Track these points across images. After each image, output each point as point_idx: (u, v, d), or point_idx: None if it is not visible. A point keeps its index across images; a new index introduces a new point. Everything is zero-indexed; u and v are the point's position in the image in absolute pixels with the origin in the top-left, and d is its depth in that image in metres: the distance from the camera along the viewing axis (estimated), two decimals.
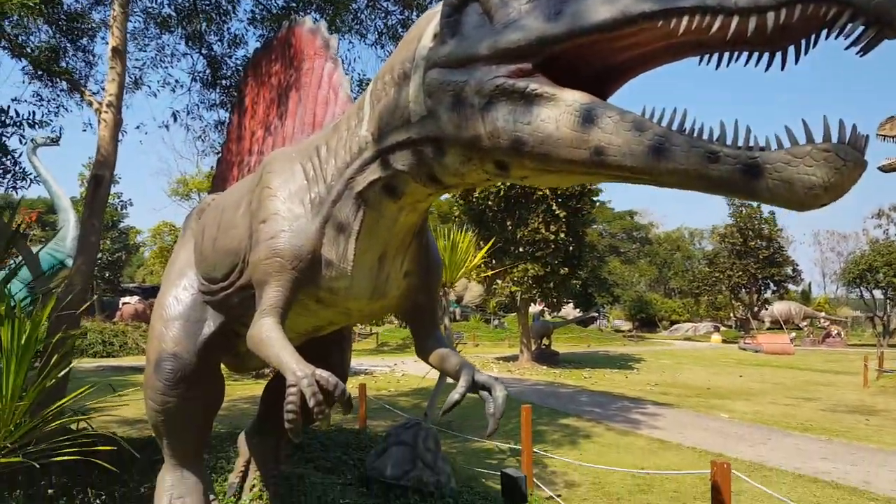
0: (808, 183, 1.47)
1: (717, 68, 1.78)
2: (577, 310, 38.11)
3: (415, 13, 7.88)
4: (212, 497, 4.02)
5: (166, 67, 8.52)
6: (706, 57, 1.78)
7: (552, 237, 18.83)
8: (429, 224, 3.37)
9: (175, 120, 8.78)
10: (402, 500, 4.92)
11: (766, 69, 1.67)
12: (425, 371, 16.55)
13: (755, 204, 41.65)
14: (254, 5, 7.90)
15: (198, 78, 8.48)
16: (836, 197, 1.52)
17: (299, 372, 2.45)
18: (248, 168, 4.57)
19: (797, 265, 42.27)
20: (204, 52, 8.16)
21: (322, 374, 2.46)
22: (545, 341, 22.45)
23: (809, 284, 54.81)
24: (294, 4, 7.62)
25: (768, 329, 40.72)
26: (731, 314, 45.22)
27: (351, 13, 7.35)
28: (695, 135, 1.65)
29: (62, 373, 4.41)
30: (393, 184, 2.68)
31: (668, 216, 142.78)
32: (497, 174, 2.28)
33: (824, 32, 1.50)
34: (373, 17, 7.72)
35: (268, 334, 2.74)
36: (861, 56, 1.51)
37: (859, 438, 9.83)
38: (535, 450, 8.43)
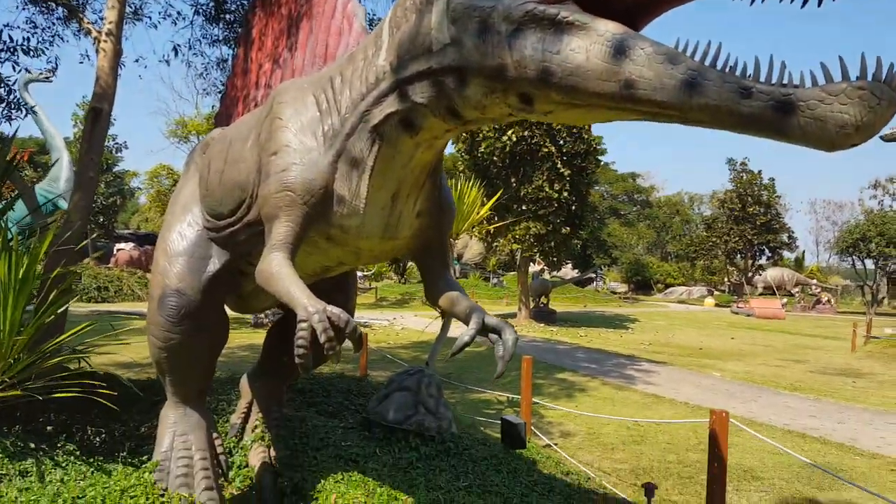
0: (841, 121, 1.43)
1: (751, 4, 1.70)
2: (576, 270, 38.29)
3: None
4: (215, 435, 4.05)
5: None
6: None
7: (556, 196, 18.74)
8: (443, 164, 3.31)
9: (176, 54, 8.48)
10: (404, 444, 4.99)
11: (802, 6, 1.60)
12: (424, 325, 16.78)
13: (756, 170, 41.58)
14: None
15: (200, 11, 8.18)
16: (868, 137, 1.49)
17: (310, 307, 2.43)
18: (255, 102, 4.45)
19: (793, 232, 42.40)
20: None
21: (333, 310, 2.44)
22: (543, 300, 22.60)
23: (803, 252, 55.01)
24: None
25: (761, 294, 41.04)
26: (726, 279, 45.54)
27: None
28: (728, 70, 1.60)
29: (61, 309, 4.39)
30: (411, 118, 2.59)
31: (669, 180, 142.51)
32: (520, 108, 2.21)
33: None
34: None
35: (278, 269, 2.70)
36: None
37: (846, 399, 10.04)
38: (533, 400, 8.60)
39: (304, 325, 2.38)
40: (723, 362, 14.08)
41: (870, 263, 41.00)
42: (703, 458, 6.29)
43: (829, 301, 37.29)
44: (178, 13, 8.53)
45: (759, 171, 41.38)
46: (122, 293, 24.11)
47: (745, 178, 41.07)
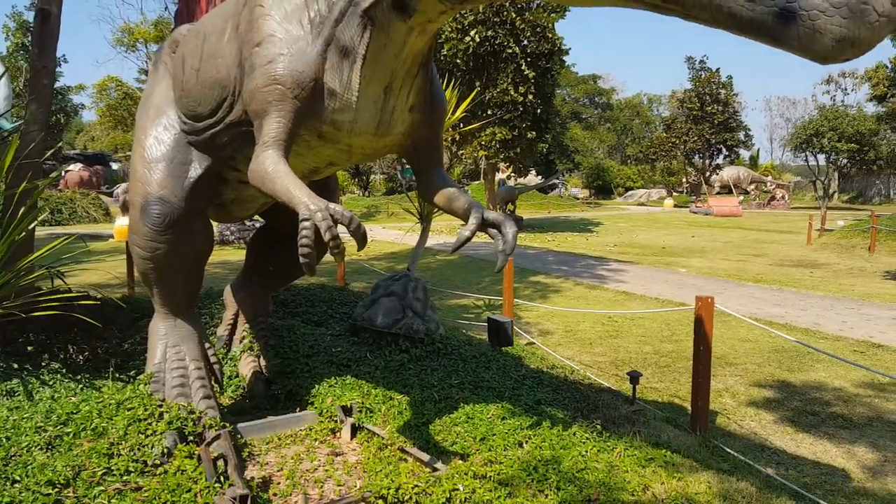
0: (838, 35, 1.45)
1: None
2: (539, 177, 38.36)
3: None
4: (207, 345, 4.00)
5: None
6: None
7: (521, 99, 18.42)
8: (433, 53, 3.13)
9: None
10: (393, 347, 5.03)
11: None
12: (402, 234, 16.69)
13: (714, 68, 41.42)
14: None
15: None
16: (862, 52, 1.50)
17: (312, 205, 2.36)
18: None
19: (749, 130, 42.98)
20: None
21: (336, 207, 2.38)
22: (510, 207, 22.71)
23: (758, 150, 56.07)
24: None
25: (718, 193, 42.07)
26: (684, 179, 46.38)
27: None
28: None
29: (31, 225, 4.16)
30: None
31: (628, 81, 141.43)
32: None
33: None
34: None
35: (273, 167, 2.58)
36: None
37: (806, 287, 10.53)
38: (524, 303, 8.77)
39: (307, 223, 2.32)
40: (686, 259, 14.53)
41: (822, 159, 42.25)
42: (677, 347, 6.58)
43: (783, 197, 38.54)
44: None
45: (718, 69, 41.24)
46: (76, 216, 23.27)
47: (703, 76, 40.95)
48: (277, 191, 2.56)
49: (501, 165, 21.02)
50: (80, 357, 4.73)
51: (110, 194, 27.38)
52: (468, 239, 2.94)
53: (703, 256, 15.18)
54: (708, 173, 42.19)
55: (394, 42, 2.64)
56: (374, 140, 3.02)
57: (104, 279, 8.69)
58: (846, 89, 44.08)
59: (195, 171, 3.53)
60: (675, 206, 39.77)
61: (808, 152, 42.27)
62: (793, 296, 9.63)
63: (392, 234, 19.73)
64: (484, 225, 2.98)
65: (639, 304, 8.87)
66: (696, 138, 40.38)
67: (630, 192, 49.86)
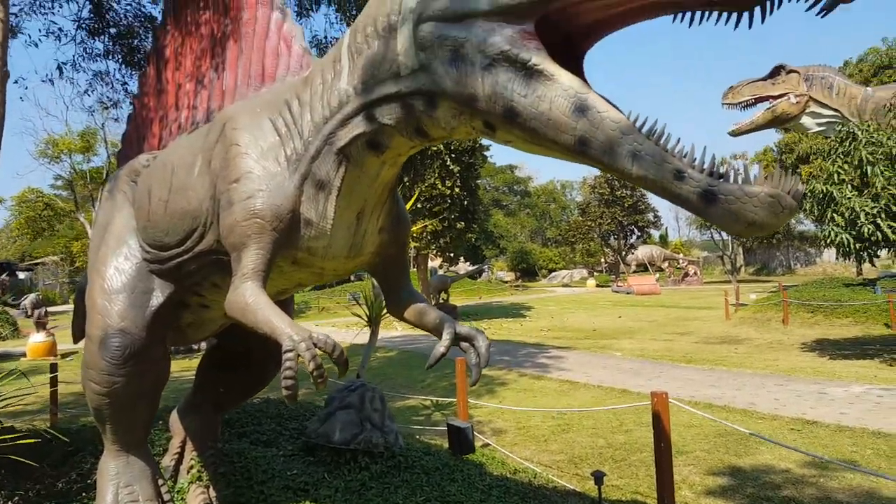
0: (750, 219, 1.69)
1: (689, 26, 1.92)
2: (468, 263, 39.12)
3: None
4: (161, 482, 3.76)
5: (45, 13, 7.47)
6: (680, 16, 1.88)
7: (448, 192, 19.05)
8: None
9: (61, 74, 7.78)
10: (353, 465, 4.87)
11: (735, 27, 1.83)
12: (329, 334, 16.30)
13: None
14: None
15: (83, 25, 7.52)
16: (768, 233, 1.80)
17: (296, 336, 2.37)
18: (178, 124, 4.22)
19: (657, 212, 46.00)
20: None
21: (319, 336, 2.40)
22: (443, 295, 22.88)
23: (666, 229, 59.67)
24: None
25: (635, 272, 44.14)
26: (603, 259, 48.51)
27: None
28: (668, 149, 1.80)
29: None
30: (377, 139, 2.60)
31: (541, 170, 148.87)
32: (483, 132, 2.31)
33: None
34: None
35: (253, 300, 2.60)
36: (821, 17, 1.71)
37: (735, 365, 11.06)
38: (455, 400, 8.69)
39: (290, 354, 2.32)
40: (618, 341, 14.99)
41: (726, 234, 45.54)
42: (629, 439, 6.69)
43: (695, 273, 40.86)
44: (60, 29, 7.86)
45: None
46: None
47: None
48: (259, 322, 2.56)
49: (432, 255, 21.36)
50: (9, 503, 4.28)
51: (16, 306, 25.59)
52: (443, 355, 2.99)
53: (633, 337, 15.72)
54: (624, 253, 44.40)
55: (367, 174, 2.78)
56: (346, 262, 3.13)
57: (22, 405, 7.97)
58: (738, 170, 48.14)
59: (157, 299, 3.51)
60: (598, 285, 41.33)
61: (712, 229, 45.56)
62: (725, 375, 10.07)
63: (326, 331, 19.34)
64: (457, 339, 3.05)
65: (584, 393, 9.00)
66: (609, 221, 42.73)
67: (554, 274, 51.53)
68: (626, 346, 14.12)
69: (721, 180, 1.74)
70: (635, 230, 44.90)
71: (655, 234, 52.86)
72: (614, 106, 1.95)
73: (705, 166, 1.78)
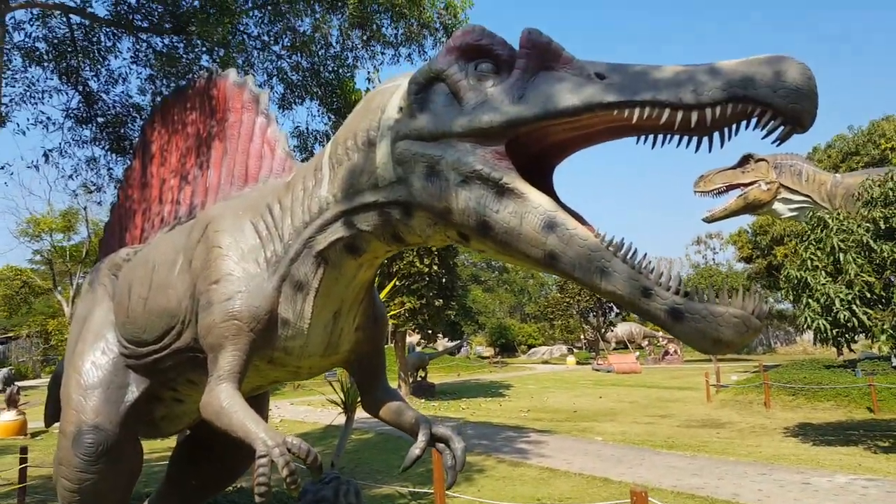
0: (716, 337, 1.76)
1: (652, 148, 2.05)
2: (447, 339, 38.73)
3: (301, 56, 7.75)
4: None
5: (35, 104, 7.66)
6: (642, 138, 2.02)
7: (426, 269, 19.11)
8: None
9: (47, 160, 7.95)
10: None
11: (696, 150, 1.92)
12: (304, 414, 15.81)
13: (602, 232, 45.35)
14: (136, 43, 7.35)
15: (72, 115, 7.70)
16: (733, 351, 1.88)
17: (270, 441, 2.37)
18: (161, 218, 4.28)
19: None
20: (80, 88, 7.43)
21: (293, 441, 2.39)
22: (421, 373, 22.50)
23: None
24: (181, 45, 7.20)
25: (614, 349, 44.03)
26: (582, 336, 48.39)
27: (241, 56, 7.07)
28: (635, 266, 1.88)
29: None
30: (355, 243, 2.70)
31: None
32: (458, 241, 2.41)
33: (744, 125, 1.78)
34: (263, 60, 7.50)
35: (228, 402, 2.61)
36: (777, 146, 1.82)
37: (717, 452, 10.85)
38: (433, 491, 8.35)
39: (263, 460, 2.32)
40: (599, 424, 14.72)
41: None
42: None
43: (675, 351, 40.83)
44: (48, 118, 8.13)
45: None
46: None
47: None
48: (232, 425, 2.55)
49: (410, 331, 21.15)
50: None
51: None
52: (418, 457, 3.00)
53: (614, 419, 15.46)
54: (603, 330, 44.39)
55: (344, 276, 2.86)
56: (322, 360, 3.17)
57: None
58: (714, 249, 49.26)
59: (132, 394, 3.51)
60: (578, 362, 41.03)
61: None
62: (707, 463, 9.86)
63: (301, 410, 18.77)
64: (432, 440, 3.02)
65: (564, 482, 8.72)
66: (588, 297, 42.90)
67: (533, 350, 51.16)
68: (608, 429, 13.85)
69: (687, 299, 1.81)
70: (613, 307, 45.08)
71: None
72: (585, 222, 2.04)
73: (671, 283, 1.84)
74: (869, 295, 9.44)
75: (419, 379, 22.40)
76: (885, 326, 9.26)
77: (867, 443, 11.25)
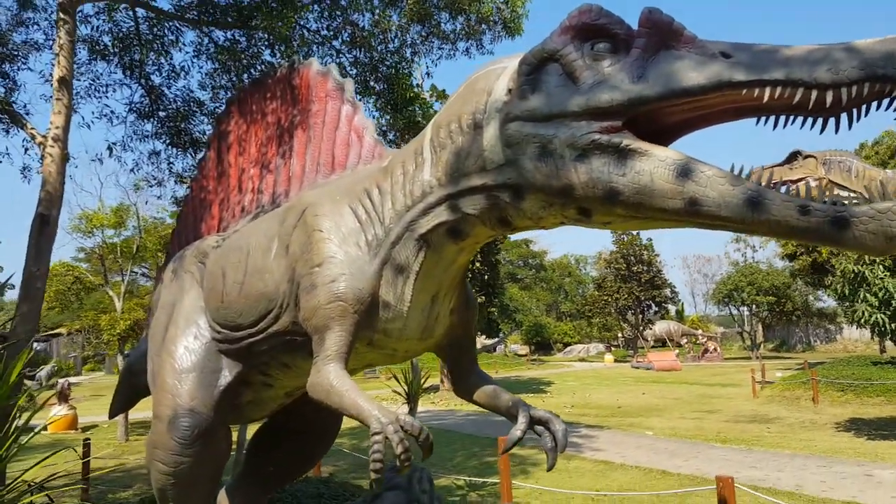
0: (891, 233, 1.70)
1: (773, 129, 2.02)
2: (484, 337, 38.80)
3: (360, 52, 7.91)
4: None
5: (100, 98, 7.97)
6: (763, 119, 2.00)
7: (470, 267, 19.21)
8: None
9: (111, 153, 8.19)
10: None
11: (821, 132, 1.92)
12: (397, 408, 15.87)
13: (636, 231, 44.86)
14: (198, 37, 7.57)
15: (135, 108, 7.97)
16: None
17: (384, 418, 2.42)
18: (242, 207, 4.37)
19: (674, 287, 45.72)
20: (143, 82, 7.69)
21: (406, 419, 2.44)
22: None
23: (682, 304, 59.16)
24: (243, 39, 7.41)
25: (652, 347, 43.49)
26: (620, 334, 47.92)
27: (302, 50, 7.25)
28: (780, 189, 1.86)
29: (29, 438, 3.90)
30: (459, 227, 2.69)
31: (555, 244, 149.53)
32: (577, 219, 2.37)
33: (875, 105, 1.77)
34: (322, 55, 7.67)
35: (338, 382, 2.65)
36: None
37: (772, 445, 10.74)
38: (490, 480, 8.48)
39: (378, 437, 2.36)
40: (646, 419, 14.64)
41: (745, 310, 45.09)
42: None
43: (715, 349, 40.13)
44: (112, 111, 8.41)
45: (638, 233, 44.65)
46: None
47: (626, 239, 44.13)
48: (344, 404, 2.61)
49: None
50: None
51: (32, 377, 25.55)
52: (519, 439, 2.98)
53: (661, 416, 15.36)
54: (641, 328, 43.91)
55: (444, 260, 2.85)
56: (418, 343, 3.16)
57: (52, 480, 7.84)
58: (755, 247, 48.25)
59: (225, 378, 3.56)
60: (616, 360, 40.64)
61: (731, 305, 45.16)
62: (763, 455, 9.78)
63: None
64: (532, 423, 3.03)
65: (622, 474, 8.76)
66: (626, 296, 42.51)
67: (569, 348, 50.84)
68: (656, 424, 13.78)
69: (846, 206, 1.76)
70: (652, 305, 44.55)
71: (672, 309, 52.42)
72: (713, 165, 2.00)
73: (823, 196, 1.81)
74: None
75: None
76: None
77: None
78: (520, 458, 10.09)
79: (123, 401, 5.46)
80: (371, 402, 2.56)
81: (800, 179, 15.71)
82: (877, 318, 9.61)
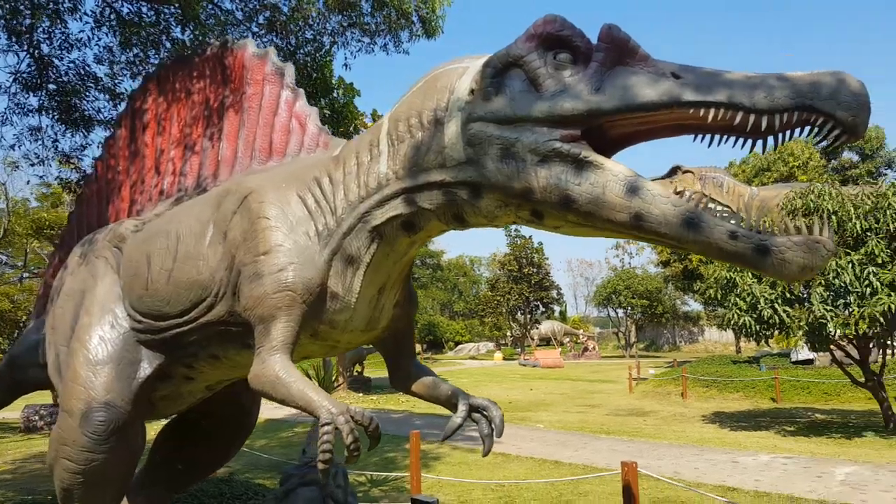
0: (802, 264, 1.95)
1: (708, 147, 2.31)
2: None
3: (277, 36, 7.69)
4: None
5: None
6: (700, 137, 2.22)
7: None
8: None
9: None
10: None
11: (750, 150, 2.20)
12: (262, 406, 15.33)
13: (527, 234, 46.66)
14: (100, 5, 6.98)
15: (20, 79, 7.20)
16: (815, 274, 2.10)
17: (334, 409, 2.43)
18: (160, 190, 4.15)
19: (560, 289, 48.03)
20: (31, 50, 6.97)
21: (356, 409, 2.48)
22: (357, 368, 22.44)
23: (565, 305, 62.09)
24: (151, 13, 6.93)
25: (538, 345, 45.39)
26: (509, 333, 49.58)
27: (216, 30, 6.91)
28: (717, 214, 2.07)
29: None
30: (413, 220, 2.74)
31: (452, 244, 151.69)
32: (529, 220, 2.48)
33: (801, 131, 2.00)
34: (237, 37, 7.37)
35: (284, 373, 2.63)
36: (829, 150, 2.14)
37: (650, 436, 11.63)
38: (392, 475, 8.56)
39: (328, 427, 2.37)
40: (536, 413, 15.33)
41: (620, 312, 48.26)
42: None
43: (594, 348, 42.63)
44: None
45: (530, 237, 46.53)
46: None
47: (519, 242, 45.82)
48: (291, 395, 2.59)
49: None
50: None
51: None
52: (459, 426, 3.07)
53: (549, 410, 16.12)
54: (529, 327, 45.71)
55: (396, 252, 2.90)
56: (361, 335, 3.16)
57: None
58: (631, 253, 51.70)
59: (144, 371, 3.40)
60: (504, 358, 42.02)
61: (609, 307, 48.18)
62: (644, 446, 10.58)
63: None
64: (471, 410, 3.12)
65: (518, 465, 9.14)
66: (517, 296, 44.11)
67: (460, 346, 51.89)
68: (545, 417, 14.46)
69: (770, 235, 1.98)
70: (540, 305, 46.53)
71: (556, 310, 54.89)
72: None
73: (752, 224, 2.01)
74: (789, 295, 10.42)
75: (356, 373, 22.36)
76: (801, 323, 10.26)
77: (776, 427, 12.39)
78: (422, 453, 10.22)
79: (4, 395, 5.01)
80: (320, 392, 2.55)
81: (679, 193, 17.22)
82: (745, 321, 10.68)
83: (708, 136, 2.20)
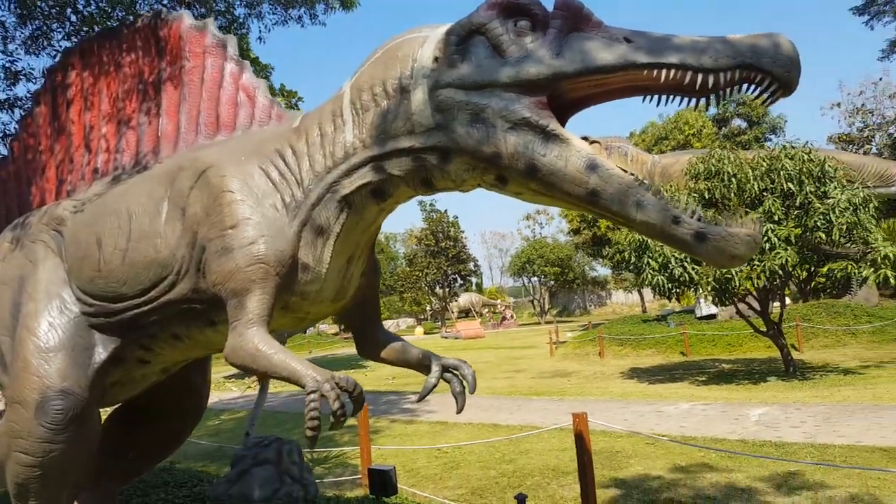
0: (733, 253, 2.17)
1: (657, 106, 2.46)
2: None
3: (190, 7, 7.27)
4: None
5: None
6: (649, 97, 2.39)
7: None
8: None
9: None
10: None
11: (695, 108, 2.38)
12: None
13: (443, 208, 47.00)
14: None
15: None
16: (744, 263, 2.32)
17: (319, 377, 2.44)
18: (93, 168, 3.92)
19: (477, 261, 48.90)
20: None
21: (340, 377, 2.50)
22: None
23: (481, 277, 63.39)
24: None
25: (457, 318, 46.19)
26: (428, 307, 50.06)
27: (124, 1, 6.43)
28: (664, 199, 2.25)
29: None
30: (383, 188, 2.76)
31: None
32: (493, 185, 2.58)
33: (741, 88, 2.18)
34: (146, 7, 6.90)
35: (264, 346, 2.62)
36: (766, 105, 2.34)
37: (576, 394, 12.23)
38: (333, 451, 8.57)
39: (314, 395, 2.39)
40: None
41: (535, 280, 49.86)
42: (516, 467, 7.17)
43: (511, 317, 43.89)
44: None
45: (446, 210, 46.92)
46: None
47: (434, 216, 46.10)
48: (275, 365, 2.58)
49: None
50: None
51: None
52: (434, 385, 3.16)
53: (478, 378, 16.48)
54: (448, 300, 46.33)
55: (365, 220, 2.91)
56: (331, 306, 3.17)
57: None
58: (542, 224, 53.31)
59: (99, 355, 3.28)
60: (426, 332, 42.50)
61: (523, 276, 49.64)
62: (574, 403, 11.09)
63: None
64: (443, 370, 3.21)
65: (458, 431, 9.38)
66: (435, 270, 44.49)
67: None
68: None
69: (709, 224, 2.17)
70: (458, 278, 47.18)
71: (473, 281, 55.92)
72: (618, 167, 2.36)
73: (695, 212, 2.20)
74: None
75: None
76: (709, 279, 11.06)
77: (689, 378, 13.36)
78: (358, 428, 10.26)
79: None
80: (303, 362, 2.56)
81: (632, 175, 17.93)
82: (658, 280, 11.37)
83: (657, 97, 2.34)
